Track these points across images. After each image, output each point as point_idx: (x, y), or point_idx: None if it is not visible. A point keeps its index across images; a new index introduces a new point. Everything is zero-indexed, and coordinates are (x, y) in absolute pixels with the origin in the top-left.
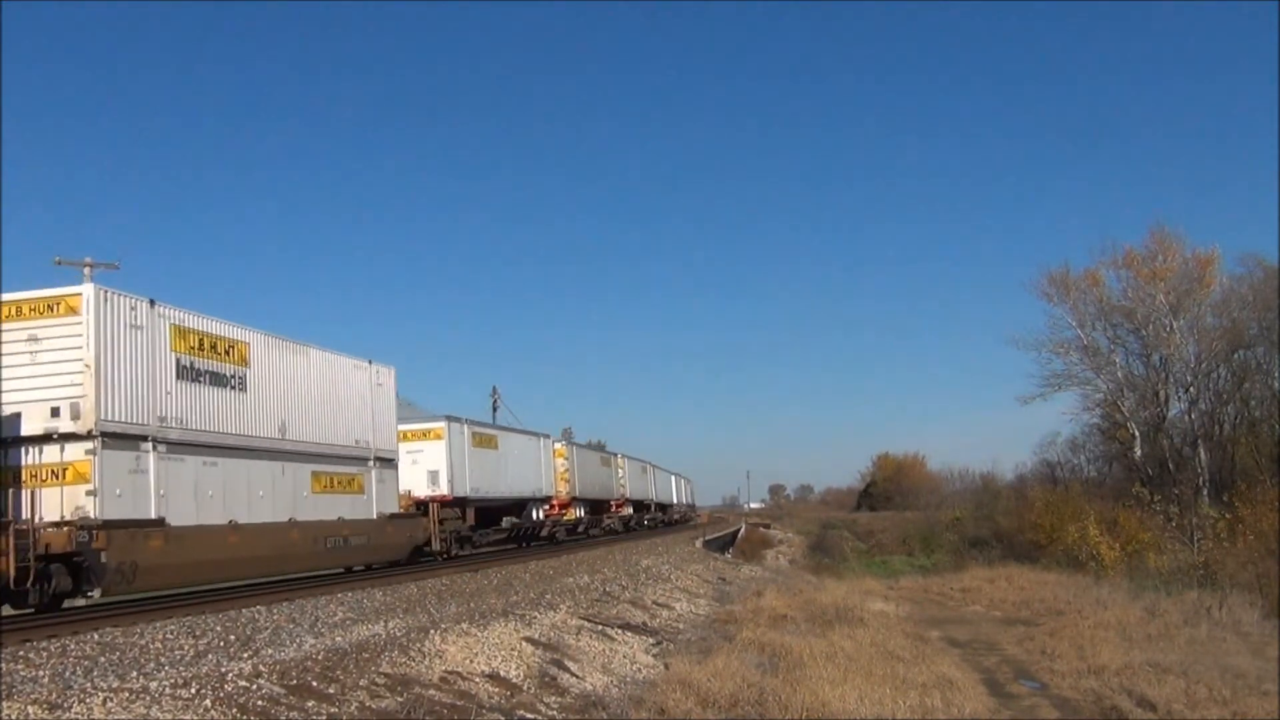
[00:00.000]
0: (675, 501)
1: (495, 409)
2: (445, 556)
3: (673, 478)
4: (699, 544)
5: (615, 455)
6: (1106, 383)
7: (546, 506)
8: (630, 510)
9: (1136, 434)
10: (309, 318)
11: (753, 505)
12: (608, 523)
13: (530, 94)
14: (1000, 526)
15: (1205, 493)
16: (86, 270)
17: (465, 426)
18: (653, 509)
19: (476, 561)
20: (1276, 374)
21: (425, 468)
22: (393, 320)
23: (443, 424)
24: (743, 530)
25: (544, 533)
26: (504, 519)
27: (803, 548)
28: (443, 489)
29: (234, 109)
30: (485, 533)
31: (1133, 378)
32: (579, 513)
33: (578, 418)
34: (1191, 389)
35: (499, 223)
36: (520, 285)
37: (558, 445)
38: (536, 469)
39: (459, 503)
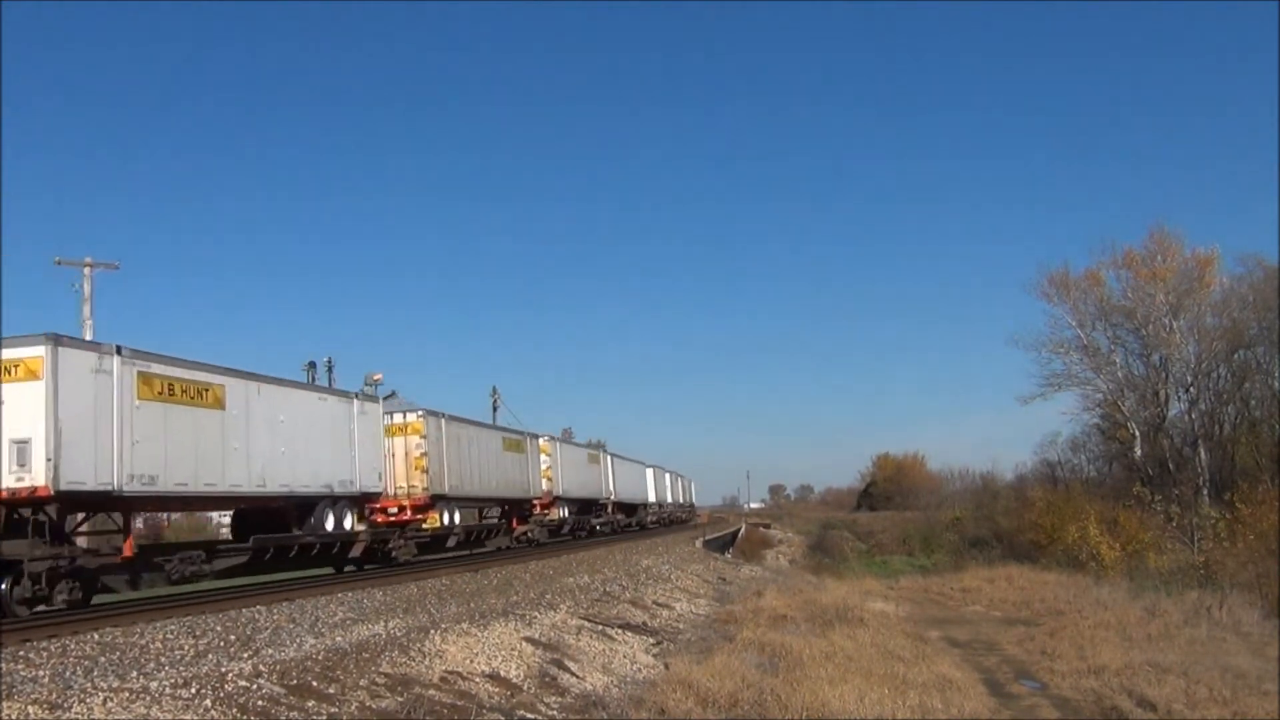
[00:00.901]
0: (651, 500)
1: (495, 409)
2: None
3: (649, 471)
4: (699, 544)
5: (529, 436)
6: (1106, 383)
7: (363, 510)
8: (564, 513)
9: (1136, 434)
10: (308, 318)
11: (753, 505)
12: (521, 531)
13: (531, 93)
14: (1000, 526)
15: (1205, 493)
16: (87, 270)
17: (118, 360)
18: (609, 510)
19: (475, 562)
20: (1276, 374)
21: (7, 435)
22: (393, 321)
23: (41, 349)
24: (743, 530)
25: (354, 552)
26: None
27: (803, 548)
28: (36, 476)
29: (231, 107)
30: (188, 557)
31: (1133, 378)
32: (448, 518)
33: (579, 419)
34: (1191, 389)
35: (497, 222)
36: (519, 287)
37: (410, 418)
38: (340, 450)
39: (100, 503)
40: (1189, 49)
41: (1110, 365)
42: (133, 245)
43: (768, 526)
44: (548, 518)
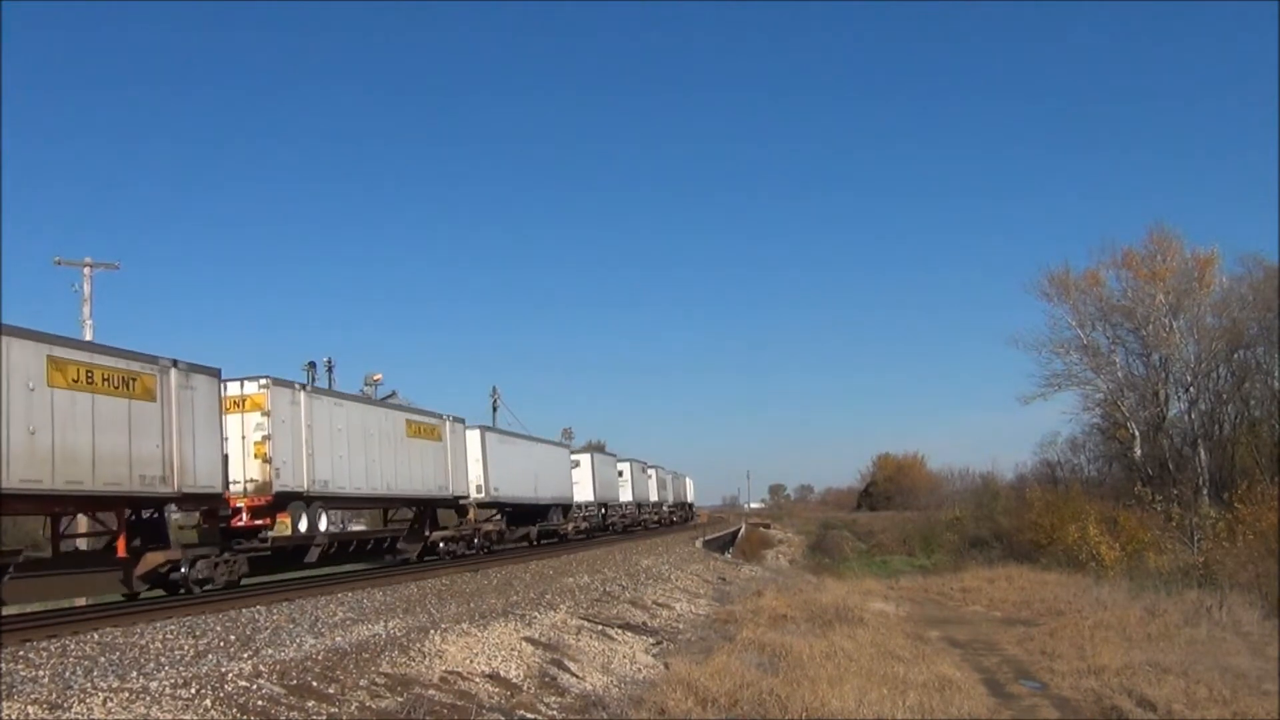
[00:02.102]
0: (586, 500)
1: (495, 409)
2: None
3: (586, 459)
4: (699, 544)
5: (190, 373)
6: (1106, 383)
7: None
8: (314, 523)
9: (1136, 434)
10: (308, 317)
11: (753, 505)
12: (157, 564)
13: (529, 90)
14: (1000, 526)
15: (1205, 493)
16: (86, 270)
17: None
18: (471, 516)
19: (477, 561)
20: (1276, 374)
21: None
22: (393, 323)
23: None
24: (743, 530)
25: None
26: None
27: (803, 548)
28: None
29: (228, 104)
30: None
31: (1133, 378)
32: None
33: (579, 419)
34: (1191, 389)
35: (496, 220)
36: (519, 287)
37: None
38: None
39: None
40: (1189, 47)
41: (1110, 365)
42: (133, 245)
43: (768, 526)
44: (271, 533)
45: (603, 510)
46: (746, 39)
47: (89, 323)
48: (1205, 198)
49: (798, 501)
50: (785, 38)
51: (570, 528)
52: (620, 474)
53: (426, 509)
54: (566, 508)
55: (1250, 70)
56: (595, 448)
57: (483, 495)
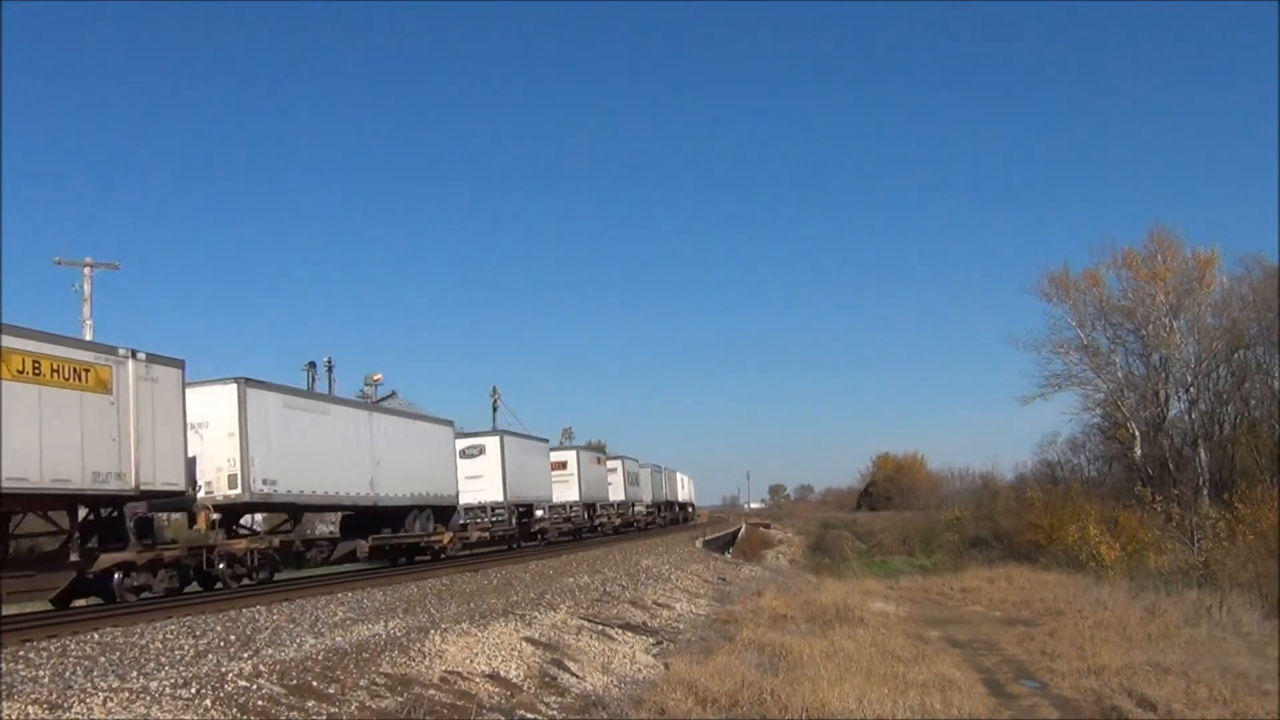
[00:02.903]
0: (494, 500)
1: (495, 409)
2: None
3: (490, 445)
4: (699, 544)
5: None
6: (1106, 383)
7: None
8: None
9: (1136, 434)
10: (309, 318)
11: (753, 505)
12: None
13: (529, 88)
14: (1000, 526)
15: (1205, 493)
16: (86, 270)
17: None
18: (266, 517)
19: (476, 561)
20: (1276, 374)
21: None
22: (393, 323)
23: None
24: (743, 530)
25: None
26: None
27: (803, 548)
28: None
29: (228, 103)
30: None
31: (1133, 378)
32: None
33: (580, 420)
34: (1191, 389)
35: (497, 223)
36: (519, 287)
37: None
38: None
39: None
40: (1189, 47)
41: (1110, 365)
42: (133, 245)
43: (768, 526)
44: None
45: (518, 513)
46: (746, 39)
47: (89, 323)
48: (1205, 198)
49: (798, 501)
50: (785, 38)
51: (448, 539)
52: (562, 465)
53: (91, 513)
54: (446, 511)
55: (1250, 70)
56: (595, 448)
57: (239, 490)
